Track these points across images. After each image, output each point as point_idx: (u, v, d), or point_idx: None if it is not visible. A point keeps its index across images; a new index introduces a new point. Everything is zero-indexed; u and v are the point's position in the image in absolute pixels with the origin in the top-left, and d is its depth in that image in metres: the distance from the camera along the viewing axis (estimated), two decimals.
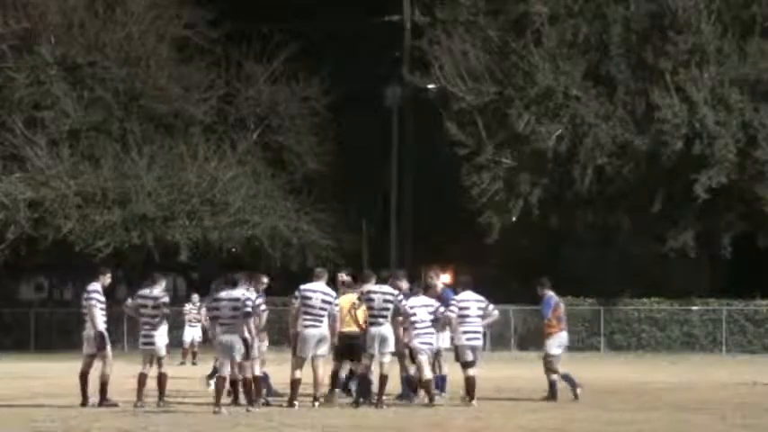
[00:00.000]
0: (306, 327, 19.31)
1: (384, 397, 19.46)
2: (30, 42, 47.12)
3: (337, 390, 20.33)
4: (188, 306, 35.55)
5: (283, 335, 26.71)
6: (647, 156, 43.25)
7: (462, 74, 45.33)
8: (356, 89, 48.56)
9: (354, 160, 49.23)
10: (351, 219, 50.17)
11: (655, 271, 45.87)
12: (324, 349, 19.47)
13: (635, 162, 43.61)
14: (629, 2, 44.49)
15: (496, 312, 20.82)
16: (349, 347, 19.84)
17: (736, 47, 43.24)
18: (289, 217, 47.92)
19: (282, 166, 50.34)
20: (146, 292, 20.16)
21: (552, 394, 20.86)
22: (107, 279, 20.44)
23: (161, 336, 20.06)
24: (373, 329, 19.33)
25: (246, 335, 18.55)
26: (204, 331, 30.69)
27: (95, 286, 20.14)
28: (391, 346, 19.44)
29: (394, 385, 20.44)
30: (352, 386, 20.35)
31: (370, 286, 19.79)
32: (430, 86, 47.72)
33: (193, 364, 33.90)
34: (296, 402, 19.26)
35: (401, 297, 19.65)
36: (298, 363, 19.44)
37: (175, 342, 28.54)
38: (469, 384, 19.96)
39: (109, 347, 20.00)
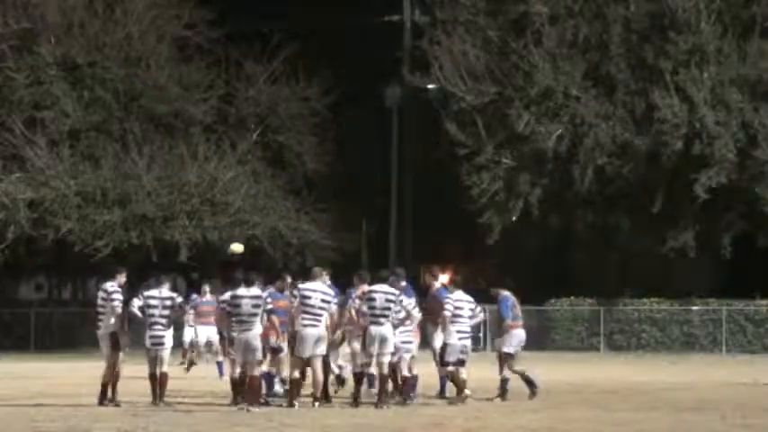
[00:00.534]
0: (305, 326, 19.32)
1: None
2: (30, 42, 47.13)
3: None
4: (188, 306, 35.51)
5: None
6: (647, 156, 43.25)
7: (462, 74, 45.34)
8: (356, 89, 48.58)
9: (354, 160, 49.24)
10: (351, 219, 50.16)
11: (655, 271, 45.87)
12: (322, 348, 19.49)
13: (635, 162, 43.62)
14: (629, 2, 44.49)
15: (482, 315, 21.05)
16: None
17: (736, 47, 43.25)
18: (289, 217, 47.91)
19: (282, 166, 50.35)
20: (154, 292, 20.11)
21: (503, 392, 20.82)
22: (123, 278, 20.43)
23: (170, 337, 20.16)
24: (374, 329, 19.31)
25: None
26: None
27: (114, 286, 20.13)
28: (391, 347, 19.45)
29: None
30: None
31: (371, 286, 19.78)
32: (430, 86, 47.73)
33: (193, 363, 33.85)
34: (296, 402, 19.27)
35: (402, 297, 19.68)
36: (296, 362, 19.46)
37: (175, 342, 28.49)
38: (459, 384, 20.06)
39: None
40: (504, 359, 20.99)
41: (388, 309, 19.37)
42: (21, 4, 47.02)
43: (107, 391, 19.92)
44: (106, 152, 46.40)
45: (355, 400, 19.53)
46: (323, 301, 19.41)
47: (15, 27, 46.77)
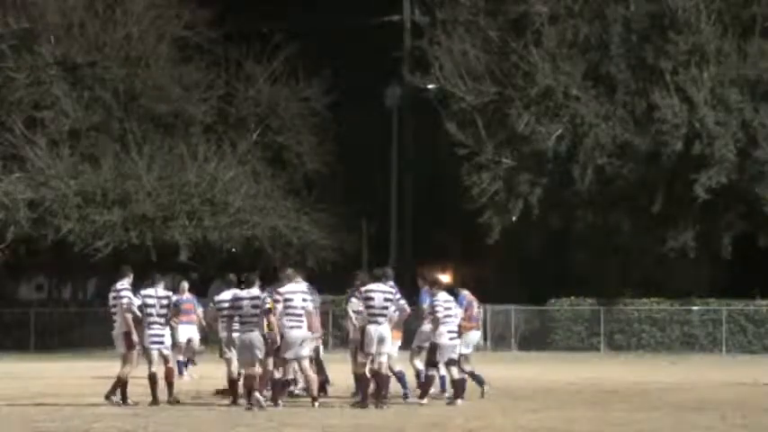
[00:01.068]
0: (291, 328, 19.43)
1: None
2: (30, 42, 47.13)
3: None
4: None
5: None
6: (647, 156, 43.26)
7: (462, 74, 45.35)
8: (356, 89, 48.55)
9: (354, 160, 49.21)
10: (351, 219, 50.15)
11: (655, 271, 45.87)
12: (308, 349, 19.65)
13: (635, 162, 43.62)
14: (629, 2, 44.51)
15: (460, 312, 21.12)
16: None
17: (736, 47, 43.26)
18: (289, 217, 47.89)
19: (282, 166, 50.33)
20: (150, 291, 20.19)
21: (455, 392, 20.83)
22: (131, 278, 20.47)
23: (168, 335, 20.32)
24: (372, 328, 19.31)
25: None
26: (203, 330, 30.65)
27: (124, 285, 20.16)
28: (389, 346, 19.49)
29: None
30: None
31: (368, 285, 19.81)
32: (430, 86, 47.72)
33: (193, 363, 33.84)
34: (280, 402, 19.37)
35: (399, 296, 19.74)
36: (281, 363, 19.54)
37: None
38: (457, 385, 20.15)
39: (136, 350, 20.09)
40: (459, 359, 20.92)
41: (387, 308, 19.42)
42: (21, 4, 47.02)
43: (126, 390, 20.00)
44: (106, 152, 46.38)
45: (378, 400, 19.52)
46: (304, 300, 19.56)
47: (15, 27, 46.76)
